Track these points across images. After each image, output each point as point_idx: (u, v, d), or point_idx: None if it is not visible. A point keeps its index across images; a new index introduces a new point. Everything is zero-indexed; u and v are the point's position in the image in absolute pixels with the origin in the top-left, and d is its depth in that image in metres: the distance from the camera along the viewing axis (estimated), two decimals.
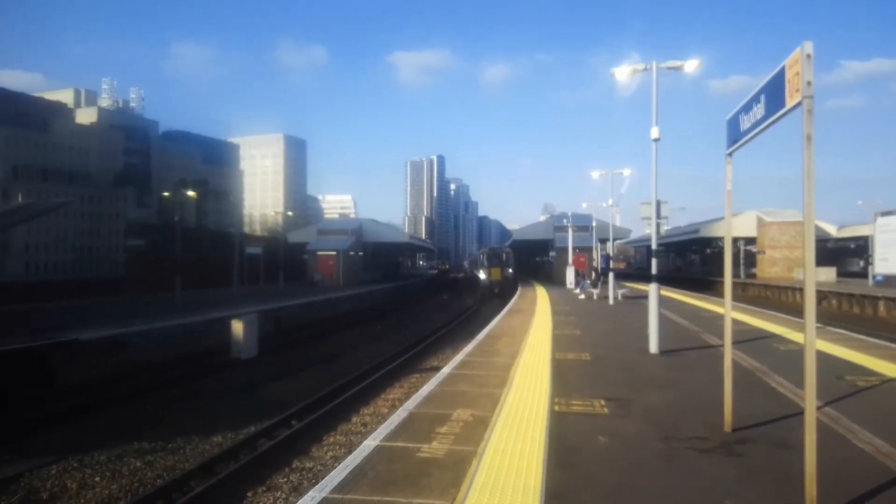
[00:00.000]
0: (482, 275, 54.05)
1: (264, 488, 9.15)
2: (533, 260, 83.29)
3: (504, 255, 55.94)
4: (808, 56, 4.50)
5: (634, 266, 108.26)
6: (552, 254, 63.63)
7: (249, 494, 8.90)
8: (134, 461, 10.53)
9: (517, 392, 9.12)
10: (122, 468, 10.22)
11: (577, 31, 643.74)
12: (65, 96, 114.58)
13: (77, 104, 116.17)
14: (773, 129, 5.50)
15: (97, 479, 9.78)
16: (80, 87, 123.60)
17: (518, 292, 38.54)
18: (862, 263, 51.03)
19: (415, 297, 56.71)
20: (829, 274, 46.00)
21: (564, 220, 54.30)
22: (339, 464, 6.30)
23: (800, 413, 7.17)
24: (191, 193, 74.69)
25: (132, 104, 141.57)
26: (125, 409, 14.41)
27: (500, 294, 46.93)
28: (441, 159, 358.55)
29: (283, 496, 8.81)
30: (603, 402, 8.41)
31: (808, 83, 4.47)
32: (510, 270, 54.35)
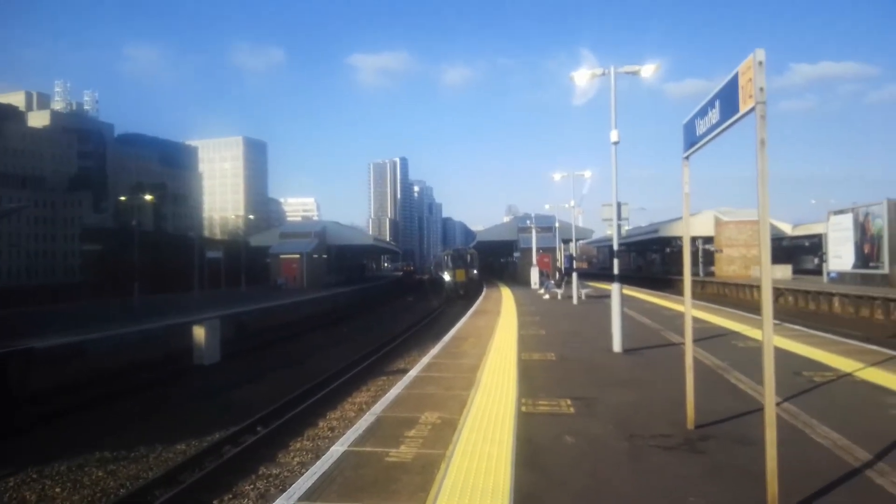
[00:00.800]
0: (446, 276, 53.70)
1: (230, 496, 9.02)
2: (498, 261, 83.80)
3: (468, 257, 55.73)
4: (760, 63, 4.61)
5: (597, 266, 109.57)
6: (516, 254, 64.18)
7: (215, 502, 8.76)
8: (96, 471, 10.29)
9: (484, 393, 9.15)
10: (83, 478, 9.98)
11: (535, 34, 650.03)
12: (16, 99, 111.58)
13: (29, 107, 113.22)
14: (728, 131, 5.63)
15: (57, 489, 9.54)
16: (32, 90, 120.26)
17: (483, 293, 38.68)
18: (816, 261, 52.54)
19: (380, 300, 56.49)
20: (784, 271, 47.21)
21: (528, 222, 54.86)
22: (307, 470, 6.24)
23: (760, 409, 7.33)
24: (148, 197, 73.30)
25: (86, 107, 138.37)
26: (85, 418, 14.09)
27: (464, 295, 46.83)
28: (404, 161, 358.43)
29: (250, 503, 8.70)
30: (569, 402, 8.49)
31: (761, 89, 4.58)
32: (475, 272, 54.16)
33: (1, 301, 39.66)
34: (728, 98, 5.28)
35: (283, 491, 5.66)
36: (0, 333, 20.28)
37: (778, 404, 7.50)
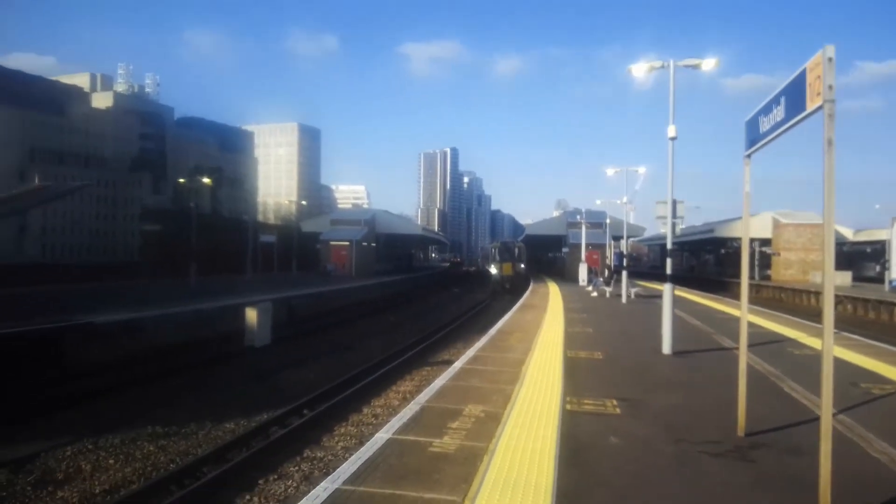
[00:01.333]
0: (493, 269, 52.11)
1: (275, 476, 9.22)
2: (545, 255, 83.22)
3: (516, 250, 53.39)
4: (830, 59, 4.45)
5: (647, 265, 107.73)
6: (565, 250, 63.55)
7: (261, 482, 8.97)
8: (147, 445, 10.65)
9: (529, 389, 9.13)
10: (135, 451, 10.34)
11: (588, 26, 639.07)
12: (81, 80, 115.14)
13: (93, 88, 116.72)
14: (792, 131, 5.46)
15: (111, 461, 9.90)
16: (96, 72, 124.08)
17: (530, 288, 38.49)
18: (878, 268, 50.51)
19: (427, 290, 56.78)
20: (844, 278, 45.56)
21: (578, 217, 53.88)
22: (351, 455, 6.34)
23: (814, 419, 7.14)
24: (206, 180, 75.14)
25: (148, 90, 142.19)
26: (139, 394, 14.57)
27: (511, 290, 45.47)
28: (455, 152, 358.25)
29: (294, 485, 8.87)
30: (615, 402, 8.41)
31: (830, 87, 4.42)
32: (522, 266, 52.24)
33: (63, 277, 41.32)
34: (794, 95, 5.12)
35: (328, 474, 5.77)
36: (60, 308, 21.12)
37: (833, 415, 7.27)
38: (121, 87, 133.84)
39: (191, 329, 21.40)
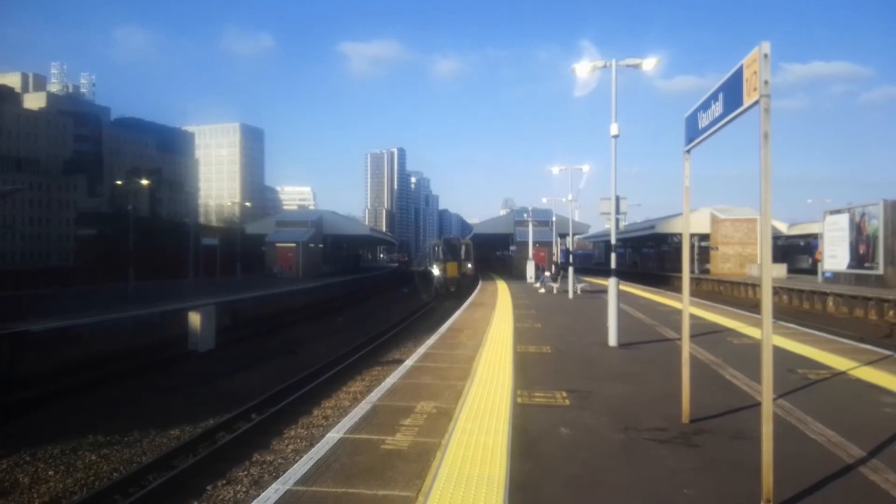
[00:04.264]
0: (435, 270, 45.68)
1: (224, 482, 9.02)
2: (493, 254, 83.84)
3: (463, 248, 47.20)
4: (766, 56, 4.60)
5: (593, 261, 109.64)
6: (513, 248, 63.99)
7: (209, 488, 8.77)
8: (89, 454, 10.27)
9: (480, 384, 9.17)
10: (76, 462, 9.96)
11: (524, 26, 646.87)
12: (12, 80, 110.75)
13: (25, 89, 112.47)
14: (728, 128, 5.62)
15: (50, 472, 9.52)
16: (28, 72, 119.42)
17: (479, 287, 38.69)
18: (811, 260, 52.64)
19: (375, 290, 56.44)
20: (780, 270, 47.30)
21: (525, 215, 54.37)
22: (301, 457, 6.25)
23: (754, 405, 7.39)
24: (144, 182, 73.05)
25: (83, 90, 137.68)
26: (79, 402, 14.04)
27: (455, 294, 40.67)
28: (402, 152, 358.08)
29: (244, 489, 8.71)
30: (564, 394, 8.52)
31: (766, 82, 4.57)
32: (469, 266, 46.59)
33: None
34: (732, 91, 5.27)
35: (278, 478, 5.67)
36: None
37: (773, 400, 7.52)
38: (54, 87, 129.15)
39: (131, 335, 20.76)
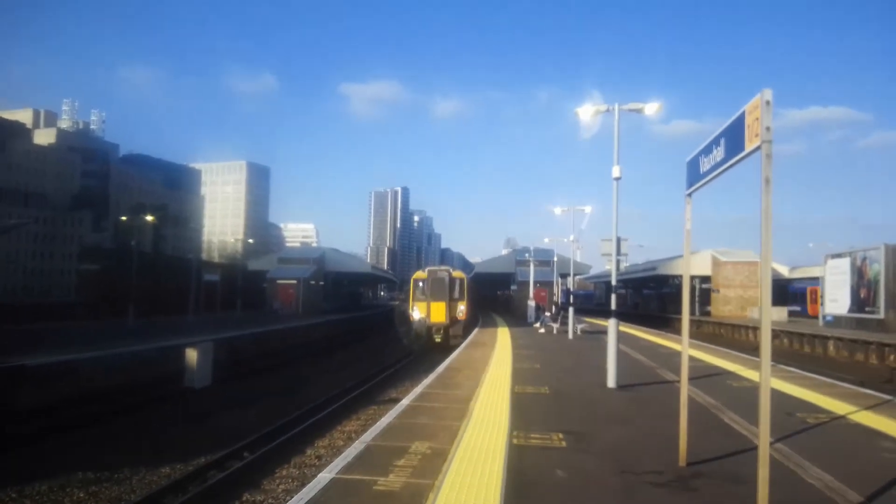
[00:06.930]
0: (415, 314, 33.81)
1: None
2: (495, 293, 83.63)
3: (456, 284, 34.93)
4: (768, 102, 4.67)
5: (594, 301, 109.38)
6: (514, 287, 63.92)
7: None
8: (77, 492, 10.14)
9: (476, 425, 9.07)
10: (63, 499, 9.84)
11: (523, 69, 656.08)
12: (23, 116, 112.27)
13: (36, 124, 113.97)
14: (728, 173, 5.67)
15: None
16: (40, 108, 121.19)
17: (478, 326, 38.48)
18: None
19: (374, 328, 56.16)
20: (780, 313, 47.15)
21: (526, 255, 54.41)
22: (292, 497, 6.16)
23: (752, 448, 7.28)
24: (149, 218, 73.33)
25: (92, 126, 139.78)
26: (72, 438, 13.91)
27: (443, 344, 31.53)
28: (405, 191, 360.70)
29: None
30: (561, 436, 8.42)
31: (767, 128, 4.63)
32: (462, 308, 34.48)
33: None
34: (733, 136, 5.33)
35: None
36: None
37: (770, 444, 7.42)
38: (65, 123, 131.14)
39: (128, 371, 20.60)
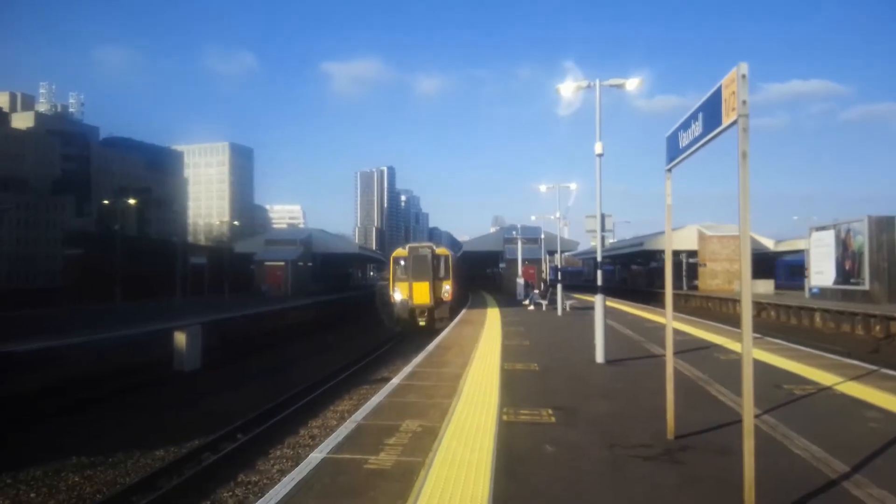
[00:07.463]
0: (397, 295, 31.84)
1: (208, 503, 8.91)
2: (484, 271, 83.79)
3: (441, 263, 32.47)
4: (744, 76, 4.67)
5: (582, 278, 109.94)
6: (502, 265, 64.09)
7: None
8: (72, 476, 10.14)
9: (466, 402, 9.13)
10: (59, 483, 9.83)
11: (504, 46, 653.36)
12: (0, 100, 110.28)
13: (13, 108, 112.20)
14: (712, 147, 5.68)
15: (32, 495, 9.40)
16: (17, 91, 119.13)
17: (468, 303, 38.59)
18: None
19: (363, 308, 56.15)
20: (767, 286, 47.62)
21: (514, 233, 54.42)
22: (286, 477, 6.18)
23: (739, 420, 7.36)
24: (132, 201, 72.80)
25: (71, 109, 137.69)
26: (63, 424, 13.89)
27: (428, 327, 29.97)
28: (391, 171, 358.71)
29: None
30: (550, 412, 8.49)
31: (744, 102, 4.64)
32: (448, 288, 31.94)
33: None
34: (711, 111, 5.34)
35: (261, 497, 5.60)
36: None
37: (757, 416, 7.53)
38: (43, 106, 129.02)
39: (116, 356, 20.52)
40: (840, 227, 34.83)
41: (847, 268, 34.00)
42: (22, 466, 10.49)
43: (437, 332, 21.96)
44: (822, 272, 36.91)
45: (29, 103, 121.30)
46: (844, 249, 34.18)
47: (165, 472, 10.17)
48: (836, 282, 35.05)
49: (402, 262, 32.14)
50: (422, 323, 30.76)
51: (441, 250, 33.69)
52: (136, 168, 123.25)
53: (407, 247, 33.51)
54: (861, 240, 32.31)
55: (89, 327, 23.30)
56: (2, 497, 9.34)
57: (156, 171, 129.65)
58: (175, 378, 19.60)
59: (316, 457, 6.57)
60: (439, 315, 30.60)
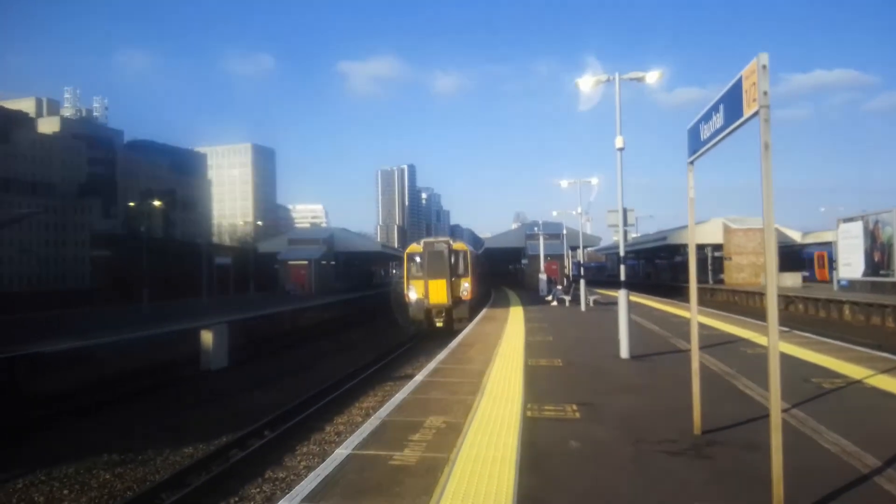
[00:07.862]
0: (411, 294, 29.76)
1: (237, 499, 9.02)
2: (506, 268, 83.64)
3: (459, 259, 30.23)
4: (764, 67, 4.61)
5: (605, 273, 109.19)
6: (524, 261, 63.86)
7: None
8: (103, 473, 10.33)
9: (490, 398, 9.13)
10: (90, 481, 10.02)
11: (522, 42, 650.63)
12: (26, 105, 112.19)
13: (39, 113, 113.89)
14: (736, 139, 5.62)
15: (65, 492, 9.59)
16: (42, 96, 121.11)
17: (491, 300, 38.53)
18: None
19: (387, 306, 56.30)
20: (795, 279, 46.92)
21: (535, 229, 54.25)
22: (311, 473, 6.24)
23: (767, 415, 7.28)
24: (157, 203, 73.73)
25: (96, 113, 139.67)
26: (93, 422, 14.15)
27: (446, 328, 28.09)
28: (412, 168, 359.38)
29: None
30: (575, 407, 8.46)
31: (765, 93, 4.58)
32: (467, 286, 29.76)
33: (10, 306, 39.89)
34: (732, 102, 5.28)
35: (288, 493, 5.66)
36: (9, 338, 20.38)
37: (786, 410, 7.44)
38: (68, 111, 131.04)
39: (144, 355, 20.85)
40: (868, 219, 34.22)
41: (876, 259, 33.37)
42: (55, 463, 10.72)
43: (458, 331, 21.95)
44: (850, 264, 36.28)
45: (54, 108, 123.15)
46: (873, 241, 33.56)
47: (194, 469, 10.31)
48: (865, 273, 34.43)
49: (417, 259, 29.72)
50: (439, 324, 28.69)
51: (459, 245, 31.60)
52: (160, 170, 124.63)
53: (422, 242, 30.50)
54: (890, 231, 31.71)
55: (118, 327, 23.69)
56: (37, 493, 9.55)
57: (180, 173, 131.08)
58: (202, 376, 19.85)
59: (341, 453, 6.62)
60: (458, 315, 28.71)
